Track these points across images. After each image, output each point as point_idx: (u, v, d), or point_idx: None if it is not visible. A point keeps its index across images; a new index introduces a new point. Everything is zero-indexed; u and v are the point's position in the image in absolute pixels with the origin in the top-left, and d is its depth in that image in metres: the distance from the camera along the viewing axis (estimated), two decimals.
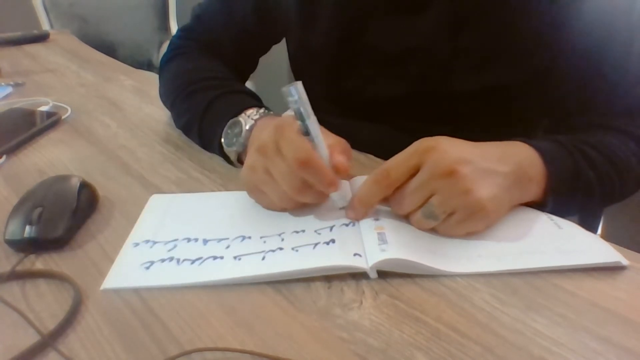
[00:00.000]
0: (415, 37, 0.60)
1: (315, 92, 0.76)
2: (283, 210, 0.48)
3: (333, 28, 0.65)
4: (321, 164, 0.43)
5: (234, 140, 0.56)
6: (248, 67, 0.79)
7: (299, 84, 0.43)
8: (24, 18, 1.85)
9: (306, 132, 0.44)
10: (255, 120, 0.55)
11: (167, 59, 0.74)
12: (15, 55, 1.14)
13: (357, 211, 0.45)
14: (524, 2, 0.54)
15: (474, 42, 0.57)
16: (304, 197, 0.45)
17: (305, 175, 0.43)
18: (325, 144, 0.45)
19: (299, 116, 0.43)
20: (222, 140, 0.57)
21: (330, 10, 0.64)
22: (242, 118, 0.56)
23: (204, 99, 0.61)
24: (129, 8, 2.03)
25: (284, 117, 0.46)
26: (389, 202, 0.45)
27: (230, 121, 0.56)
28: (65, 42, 1.27)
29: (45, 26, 1.88)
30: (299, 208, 0.48)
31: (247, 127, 0.54)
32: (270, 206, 0.49)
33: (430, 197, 0.42)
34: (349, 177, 0.49)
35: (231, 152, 0.56)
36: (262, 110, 0.56)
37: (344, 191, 0.48)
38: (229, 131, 0.56)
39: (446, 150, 0.42)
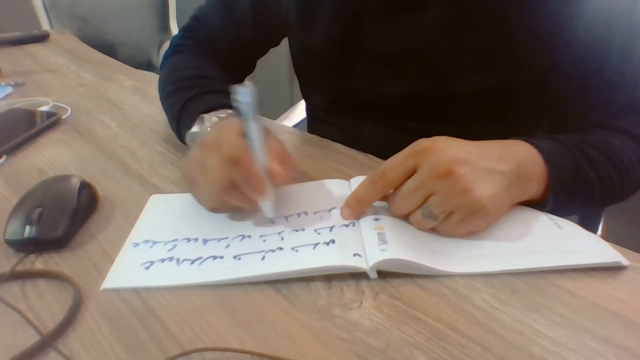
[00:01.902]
0: (415, 38, 0.60)
1: (317, 92, 0.77)
2: (215, 210, 0.49)
3: (333, 28, 0.65)
4: (251, 166, 0.43)
5: (195, 136, 0.56)
6: (245, 69, 0.79)
7: (251, 86, 0.43)
8: (24, 18, 1.85)
9: (247, 135, 0.44)
10: (220, 119, 0.55)
11: (165, 57, 0.76)
12: (15, 55, 1.14)
13: (353, 210, 0.45)
14: (524, 2, 0.54)
15: (473, 43, 0.57)
16: (231, 197, 0.45)
17: (233, 175, 0.43)
18: (265, 151, 0.45)
19: (243, 118, 0.43)
20: (187, 135, 0.58)
21: (329, 10, 0.64)
22: (207, 116, 0.56)
23: (184, 97, 0.62)
24: (129, 8, 2.03)
25: (236, 118, 0.47)
26: (388, 203, 0.45)
27: (198, 118, 0.57)
28: (65, 42, 1.27)
29: (45, 26, 1.88)
30: (231, 211, 0.48)
31: (209, 125, 0.55)
32: (203, 203, 0.49)
33: (428, 197, 0.42)
34: (284, 184, 0.48)
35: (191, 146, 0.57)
36: (231, 111, 0.57)
37: (277, 201, 0.47)
38: (193, 126, 0.57)
39: (443, 150, 0.42)
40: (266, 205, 0.46)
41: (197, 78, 0.66)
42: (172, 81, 0.68)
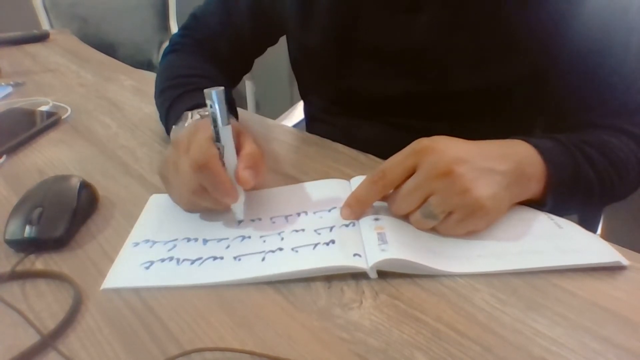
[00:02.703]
0: (411, 37, 0.60)
1: (315, 91, 0.77)
2: (189, 210, 0.49)
3: (330, 27, 0.65)
4: (219, 171, 0.43)
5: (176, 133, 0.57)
6: (243, 67, 0.80)
7: (221, 90, 0.43)
8: (24, 18, 1.86)
9: (217, 139, 0.44)
10: (202, 117, 0.55)
11: (164, 55, 0.76)
12: (15, 55, 1.14)
13: (353, 210, 0.45)
14: (521, 2, 0.54)
15: (470, 42, 0.57)
16: (201, 200, 0.45)
17: (201, 180, 0.43)
18: (235, 154, 0.45)
19: (213, 121, 0.44)
20: (171, 133, 0.58)
21: (327, 10, 0.64)
22: (190, 113, 0.56)
23: (173, 95, 0.63)
24: (129, 8, 2.03)
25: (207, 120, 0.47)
26: (388, 203, 0.45)
27: (182, 115, 0.57)
28: (65, 42, 1.27)
29: (45, 26, 1.88)
30: (203, 212, 0.48)
31: (190, 122, 0.55)
32: (177, 202, 0.49)
33: (428, 197, 0.42)
34: (254, 189, 0.48)
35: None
36: None
37: (248, 204, 0.47)
38: (178, 123, 0.57)
39: (443, 150, 0.42)
40: (236, 208, 0.46)
41: (189, 77, 0.66)
42: (165, 79, 0.68)
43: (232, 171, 0.45)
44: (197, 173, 0.43)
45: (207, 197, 0.45)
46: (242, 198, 0.46)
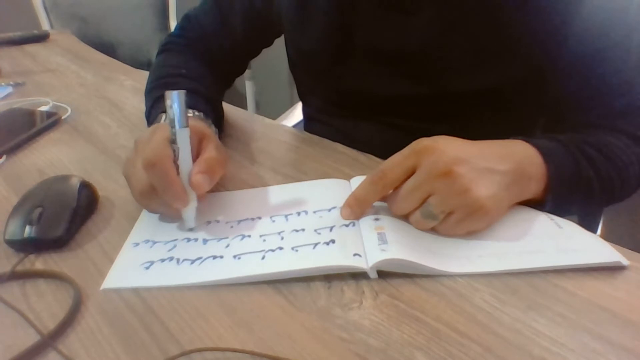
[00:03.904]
0: (408, 38, 0.60)
1: (313, 92, 0.77)
2: (146, 209, 0.49)
3: (328, 29, 0.65)
4: (168, 171, 0.43)
5: None
6: (236, 68, 0.80)
7: (182, 92, 0.43)
8: (24, 18, 1.85)
9: (174, 141, 0.44)
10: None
11: (156, 55, 0.77)
12: (15, 55, 1.14)
13: (353, 210, 0.45)
14: (519, 2, 0.54)
15: (468, 43, 0.57)
16: (149, 201, 0.45)
17: (151, 179, 0.43)
18: (191, 158, 0.45)
19: (171, 123, 0.44)
20: None
21: (324, 12, 0.64)
22: (164, 115, 0.56)
23: (155, 95, 0.63)
24: (129, 8, 2.03)
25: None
26: (388, 203, 0.45)
27: (158, 116, 0.57)
28: (65, 42, 1.27)
29: (45, 26, 1.88)
30: (159, 212, 0.48)
31: (162, 122, 0.55)
32: (135, 199, 0.49)
33: (428, 197, 0.42)
34: (203, 197, 0.47)
35: None
36: (196, 112, 0.57)
37: (199, 211, 0.46)
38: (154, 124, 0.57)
39: (443, 150, 0.42)
40: (186, 214, 0.46)
41: (173, 76, 0.66)
42: (151, 81, 0.68)
43: (185, 175, 0.44)
44: (147, 172, 0.43)
45: (157, 200, 0.45)
46: (193, 204, 0.45)
